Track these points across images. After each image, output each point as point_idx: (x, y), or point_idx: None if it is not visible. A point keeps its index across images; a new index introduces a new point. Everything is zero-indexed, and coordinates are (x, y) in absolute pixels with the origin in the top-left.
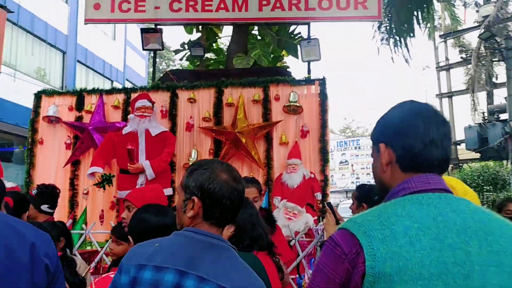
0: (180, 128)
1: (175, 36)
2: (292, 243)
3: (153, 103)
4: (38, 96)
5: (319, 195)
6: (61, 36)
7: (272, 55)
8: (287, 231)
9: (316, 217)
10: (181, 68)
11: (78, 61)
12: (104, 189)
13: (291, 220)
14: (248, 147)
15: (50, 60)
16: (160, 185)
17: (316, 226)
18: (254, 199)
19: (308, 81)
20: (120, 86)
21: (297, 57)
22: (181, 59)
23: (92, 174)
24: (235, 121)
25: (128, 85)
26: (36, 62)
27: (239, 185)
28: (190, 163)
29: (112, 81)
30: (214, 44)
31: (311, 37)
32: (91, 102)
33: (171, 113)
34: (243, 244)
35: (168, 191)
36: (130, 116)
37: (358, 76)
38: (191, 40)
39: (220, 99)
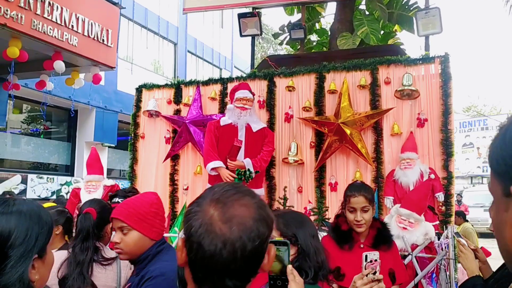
0: (279, 119)
1: (277, 19)
2: (407, 260)
3: (253, 94)
4: (138, 90)
5: (441, 196)
6: (172, 28)
7: (382, 32)
8: (401, 243)
9: (437, 222)
10: (286, 52)
11: (189, 51)
12: (247, 182)
13: (406, 230)
14: (354, 140)
15: (163, 52)
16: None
17: (438, 240)
18: (363, 209)
19: (426, 60)
20: (228, 74)
21: (412, 31)
22: (280, 44)
23: (214, 169)
24: (338, 110)
25: (237, 73)
26: (150, 54)
27: (234, 231)
28: (291, 157)
29: (220, 69)
30: (317, 25)
31: (430, 7)
32: (188, 94)
33: (269, 104)
34: (307, 274)
35: (260, 192)
36: (229, 106)
37: (484, 47)
38: (291, 22)
39: (321, 86)
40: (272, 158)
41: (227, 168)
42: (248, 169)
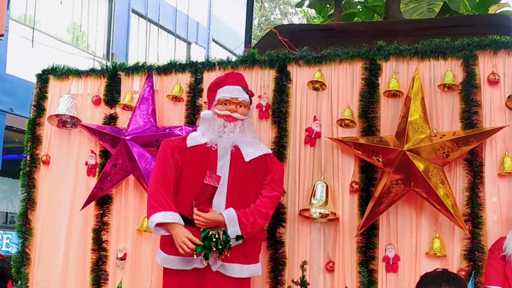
0: (294, 139)
1: None
2: None
3: (251, 94)
4: (42, 78)
5: None
6: None
7: None
8: None
9: None
10: (308, 22)
11: (133, 10)
12: (207, 259)
13: None
14: (431, 181)
15: (89, 11)
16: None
17: None
18: None
19: None
20: (203, 54)
21: None
22: (299, 5)
23: (161, 225)
24: (404, 127)
25: (219, 52)
26: (66, 15)
27: None
28: (315, 208)
29: (189, 44)
30: None
31: None
32: (132, 88)
33: (278, 111)
34: None
35: (254, 271)
36: (205, 113)
37: None
38: None
39: (373, 83)
40: (279, 210)
41: (190, 224)
42: (224, 232)
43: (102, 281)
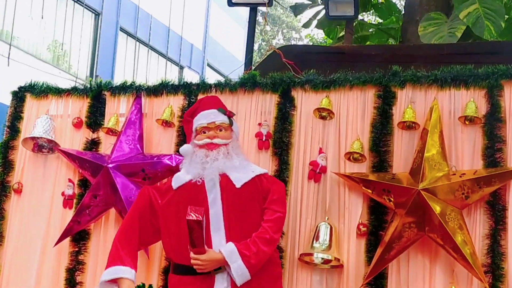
0: (297, 174)
1: None
2: None
3: (231, 115)
4: (18, 97)
5: None
6: None
7: (506, 17)
8: None
9: None
10: (314, 43)
11: (121, 28)
12: None
13: None
14: (449, 227)
15: (73, 26)
16: None
17: None
18: None
19: None
20: (196, 78)
21: None
22: (306, 26)
23: (114, 281)
24: (420, 164)
25: (212, 76)
26: (47, 31)
27: None
28: (318, 253)
29: (181, 68)
30: None
31: None
32: (117, 110)
33: (279, 141)
34: None
35: None
36: (184, 149)
37: None
38: None
39: (386, 113)
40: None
41: (190, 270)
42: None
43: None
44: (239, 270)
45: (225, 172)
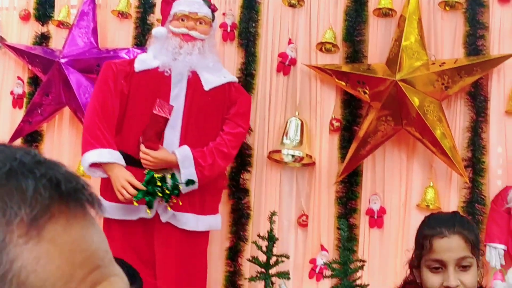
0: (265, 66)
1: None
2: None
3: (214, 9)
4: None
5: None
6: None
7: None
8: None
9: None
10: None
11: None
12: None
13: None
14: (428, 119)
15: None
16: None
17: None
18: (461, 265)
19: None
20: None
21: None
22: None
23: (97, 165)
24: (397, 53)
25: None
26: None
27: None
28: (287, 150)
29: None
30: None
31: None
32: (68, 2)
33: (246, 32)
34: None
35: (212, 222)
36: (158, 30)
37: None
38: None
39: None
40: (244, 151)
41: (135, 164)
42: (173, 175)
43: None
44: (189, 177)
45: (195, 70)
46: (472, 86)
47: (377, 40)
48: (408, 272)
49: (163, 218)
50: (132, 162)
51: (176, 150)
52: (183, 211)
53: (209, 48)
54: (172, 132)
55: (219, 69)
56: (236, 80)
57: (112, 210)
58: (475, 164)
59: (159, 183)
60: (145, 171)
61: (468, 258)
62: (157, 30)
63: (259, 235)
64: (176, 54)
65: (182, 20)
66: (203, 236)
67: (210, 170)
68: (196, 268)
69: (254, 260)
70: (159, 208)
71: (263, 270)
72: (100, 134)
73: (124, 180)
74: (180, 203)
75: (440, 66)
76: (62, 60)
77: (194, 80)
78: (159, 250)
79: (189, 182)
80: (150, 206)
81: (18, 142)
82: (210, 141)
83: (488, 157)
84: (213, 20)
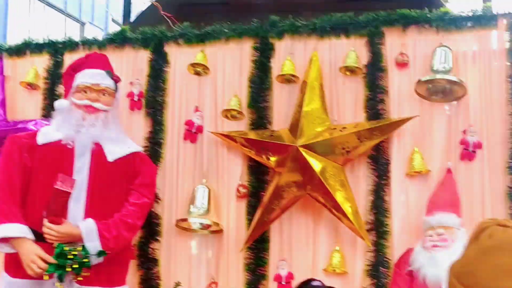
0: (172, 134)
1: None
2: None
3: (117, 80)
4: None
5: None
6: None
7: None
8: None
9: None
10: None
11: None
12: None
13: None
14: (330, 185)
15: None
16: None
17: None
18: None
19: (482, 21)
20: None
21: None
22: None
23: (5, 240)
24: (298, 119)
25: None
26: None
27: None
28: (194, 218)
29: (82, 24)
30: None
31: None
32: None
33: (152, 100)
34: None
35: None
36: (60, 104)
37: None
38: None
39: (264, 66)
40: (152, 221)
41: (40, 239)
42: (83, 247)
43: None
44: (94, 251)
45: (99, 142)
46: (374, 149)
47: (282, 106)
48: None
49: None
50: (38, 236)
51: (80, 223)
52: (89, 285)
53: (112, 119)
54: (77, 205)
55: (123, 140)
56: (141, 149)
57: (16, 286)
58: (379, 227)
59: (70, 256)
60: (54, 245)
61: None
62: (59, 103)
63: None
64: (79, 126)
65: (85, 91)
66: None
67: (115, 242)
68: None
69: None
70: (65, 284)
71: None
72: (7, 209)
73: (34, 254)
74: (88, 274)
75: (341, 131)
76: None
77: (97, 152)
78: None
79: (101, 253)
80: (61, 280)
81: None
82: (115, 212)
83: (391, 220)
84: (116, 90)
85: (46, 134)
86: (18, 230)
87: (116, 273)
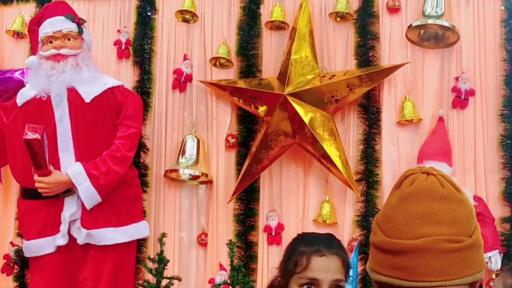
0: (160, 84)
1: None
2: None
3: (80, 23)
4: None
5: (495, 260)
6: None
7: None
8: None
9: None
10: None
11: None
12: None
13: None
14: (317, 134)
15: None
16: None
17: None
18: (334, 284)
19: None
20: None
21: None
22: None
23: None
24: (286, 67)
25: None
26: None
27: None
28: (183, 168)
29: None
30: None
31: None
32: None
33: (140, 49)
34: None
35: (142, 231)
36: (29, 61)
37: None
38: None
39: (253, 13)
40: (140, 171)
41: (35, 193)
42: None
43: None
44: (87, 192)
45: (73, 86)
46: (364, 97)
47: (271, 53)
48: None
49: (80, 241)
50: (35, 195)
51: (67, 169)
52: (98, 228)
53: (83, 61)
54: (66, 154)
55: (97, 77)
56: (121, 83)
57: (30, 248)
58: (369, 177)
59: None
60: None
61: (342, 282)
62: (29, 60)
63: (149, 258)
64: (50, 77)
65: (50, 42)
66: (127, 249)
67: (106, 178)
68: (124, 284)
69: (146, 283)
70: (73, 232)
71: None
72: None
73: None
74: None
75: (330, 79)
76: None
77: (74, 97)
78: (86, 274)
79: None
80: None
81: None
82: (104, 150)
83: (381, 170)
84: (81, 33)
85: (23, 94)
86: None
87: (125, 211)
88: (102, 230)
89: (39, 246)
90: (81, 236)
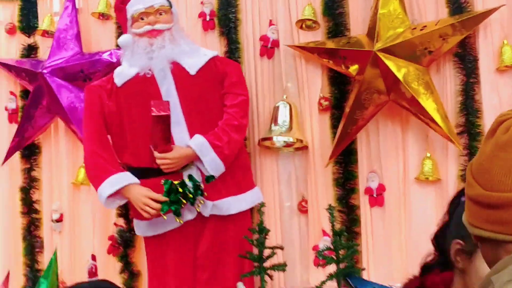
0: (247, 51)
1: None
2: None
3: None
4: None
5: None
6: None
7: None
8: None
9: None
10: None
11: None
12: (179, 215)
13: None
14: (412, 89)
15: None
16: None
17: None
18: None
19: None
20: None
21: None
22: None
23: (114, 194)
24: (374, 22)
25: None
26: None
27: None
28: (277, 135)
29: None
30: None
31: None
32: (50, 9)
33: (225, 19)
34: None
35: (259, 196)
36: (123, 40)
37: None
38: None
39: None
40: None
41: (158, 173)
42: (190, 177)
43: (37, 249)
44: (213, 163)
45: (175, 60)
46: (459, 46)
47: (359, 10)
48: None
49: (205, 213)
50: (152, 173)
51: (189, 142)
52: (222, 198)
53: (178, 34)
54: (179, 128)
55: (196, 49)
56: (217, 53)
57: (153, 227)
58: (470, 129)
59: (180, 189)
60: (162, 182)
61: None
62: (122, 39)
63: (250, 228)
64: (150, 53)
65: (142, 18)
66: (245, 216)
67: (229, 147)
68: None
69: (249, 254)
70: (196, 204)
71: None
72: (103, 162)
73: (144, 197)
74: (203, 203)
75: (421, 30)
76: (45, 71)
77: (178, 70)
78: (206, 245)
79: (209, 178)
80: (177, 215)
81: (16, 156)
82: (218, 122)
83: (483, 120)
84: (171, 6)
85: (122, 73)
86: (121, 179)
87: (242, 179)
88: (226, 200)
89: (164, 223)
90: (207, 209)
